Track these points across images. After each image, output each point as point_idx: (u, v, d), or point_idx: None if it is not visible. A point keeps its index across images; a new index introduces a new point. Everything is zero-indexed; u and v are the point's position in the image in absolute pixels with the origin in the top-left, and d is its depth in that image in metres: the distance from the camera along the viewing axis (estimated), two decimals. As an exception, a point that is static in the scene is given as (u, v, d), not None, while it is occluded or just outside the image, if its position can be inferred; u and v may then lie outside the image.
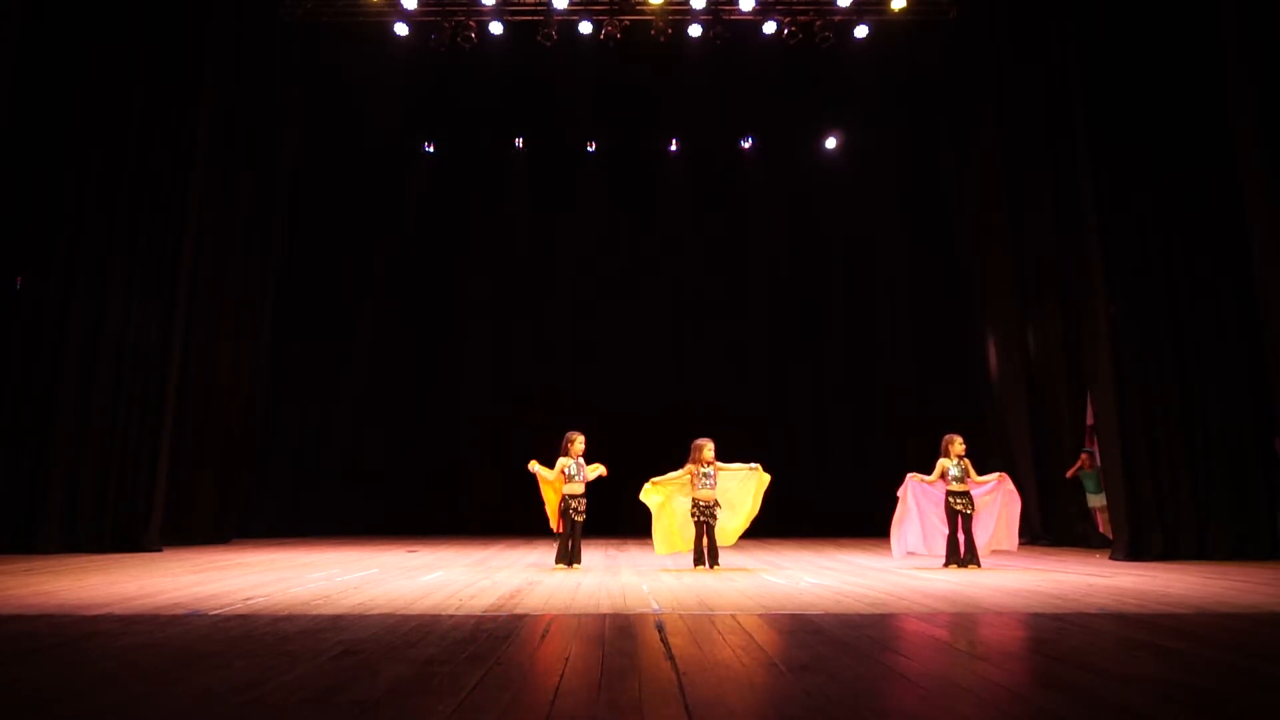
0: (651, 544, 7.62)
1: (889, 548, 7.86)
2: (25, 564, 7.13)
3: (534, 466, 7.27)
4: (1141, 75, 8.81)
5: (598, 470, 7.37)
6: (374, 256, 14.22)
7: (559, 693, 2.54)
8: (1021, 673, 2.90)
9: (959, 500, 7.38)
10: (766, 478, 7.46)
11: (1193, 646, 3.38)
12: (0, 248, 8.91)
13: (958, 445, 7.48)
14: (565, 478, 7.25)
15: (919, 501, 7.64)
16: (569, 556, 7.18)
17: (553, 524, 7.34)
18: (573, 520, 7.19)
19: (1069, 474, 10.50)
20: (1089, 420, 10.14)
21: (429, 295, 14.46)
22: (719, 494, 7.25)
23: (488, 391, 14.04)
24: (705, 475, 7.18)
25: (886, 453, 13.05)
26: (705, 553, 7.14)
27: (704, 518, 7.15)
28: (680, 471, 7.32)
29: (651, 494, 7.37)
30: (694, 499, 7.19)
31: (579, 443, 7.33)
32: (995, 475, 7.73)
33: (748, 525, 7.55)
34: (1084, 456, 10.42)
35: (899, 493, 7.72)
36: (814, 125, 14.33)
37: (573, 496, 7.22)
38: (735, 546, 9.01)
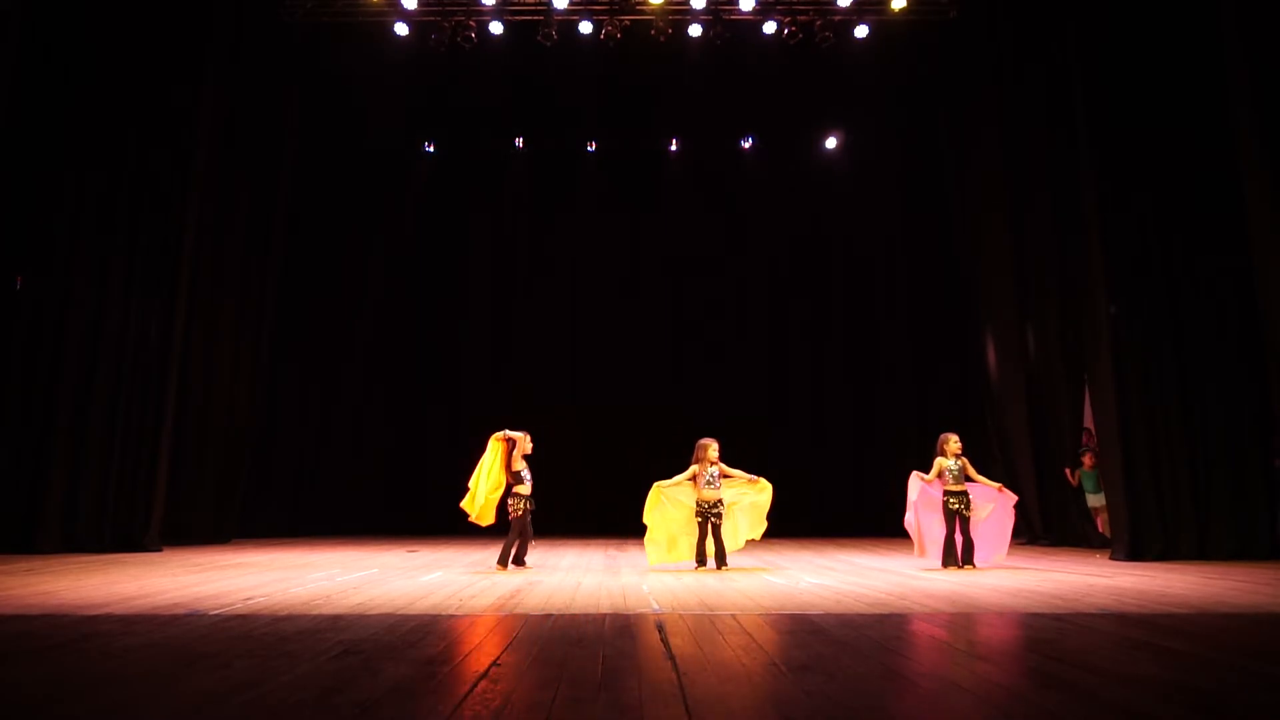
0: (649, 554, 7.58)
1: (889, 548, 7.84)
2: (25, 564, 7.13)
3: (509, 436, 7.10)
4: (1142, 75, 8.81)
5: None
6: (374, 256, 14.21)
7: (559, 692, 2.54)
8: (1021, 673, 2.90)
9: (956, 500, 7.37)
10: (770, 489, 7.46)
11: (1193, 646, 3.38)
12: (0, 247, 8.91)
13: (954, 444, 7.46)
14: (520, 478, 7.11)
15: (921, 504, 7.58)
16: (518, 557, 7.08)
17: (477, 512, 7.08)
18: (525, 521, 7.10)
19: (1073, 479, 10.48)
20: (1088, 421, 10.13)
21: (429, 295, 14.45)
22: (724, 495, 7.24)
23: (488, 391, 14.03)
24: (710, 475, 7.18)
25: (886, 453, 13.05)
26: (710, 553, 7.14)
27: (709, 517, 7.15)
28: (685, 474, 7.29)
29: (655, 503, 7.32)
30: (699, 499, 7.19)
31: (528, 441, 7.23)
32: (996, 485, 7.69)
33: (759, 535, 7.56)
34: (1086, 457, 10.41)
35: (908, 496, 7.63)
36: (814, 125, 14.31)
37: (529, 497, 7.11)
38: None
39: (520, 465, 7.13)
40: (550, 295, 14.47)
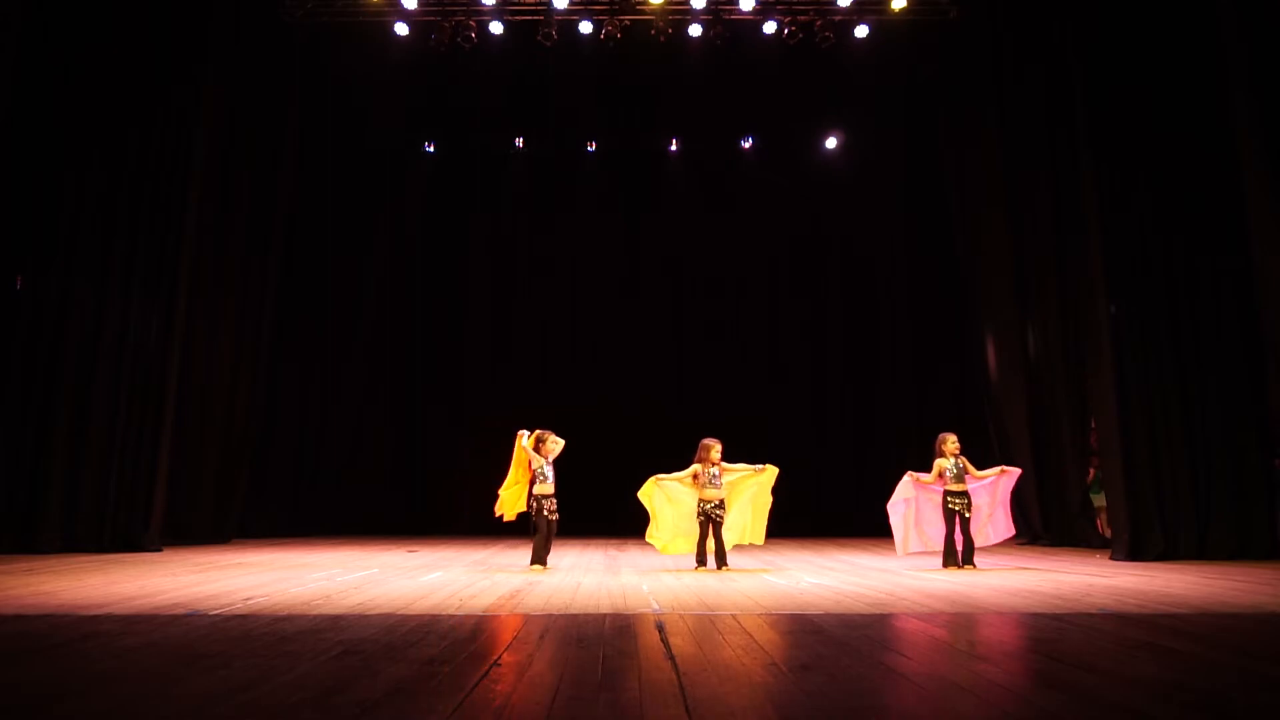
0: (652, 545, 7.60)
1: (889, 547, 7.84)
2: (25, 564, 7.13)
3: (523, 439, 7.13)
4: (1142, 75, 8.81)
5: (559, 445, 7.22)
6: (374, 256, 14.20)
7: (559, 693, 2.54)
8: (1021, 673, 2.91)
9: (956, 500, 7.36)
10: (774, 471, 7.48)
11: (1193, 646, 3.38)
12: (0, 247, 8.90)
13: (951, 443, 7.44)
14: (540, 478, 7.07)
15: (918, 501, 7.59)
16: (541, 557, 7.10)
17: (499, 508, 7.18)
18: (547, 521, 7.09)
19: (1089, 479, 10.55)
20: (1094, 424, 10.12)
21: (429, 295, 14.46)
22: (725, 494, 7.25)
23: (488, 391, 14.04)
24: (711, 475, 7.18)
25: (886, 453, 13.04)
26: (710, 552, 7.15)
27: (710, 517, 7.15)
28: (686, 471, 7.31)
29: (651, 494, 7.36)
30: (700, 498, 7.20)
31: (550, 442, 7.21)
32: (996, 469, 7.76)
33: (764, 523, 7.57)
34: (1095, 459, 10.43)
35: (897, 492, 7.66)
36: (814, 125, 14.31)
37: (545, 497, 7.09)
38: (736, 547, 8.99)
39: (539, 463, 7.10)
40: (550, 295, 14.47)
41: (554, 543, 7.28)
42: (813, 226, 14.37)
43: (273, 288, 11.81)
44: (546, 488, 7.10)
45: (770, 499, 7.55)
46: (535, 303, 14.43)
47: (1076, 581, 6.05)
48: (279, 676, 2.73)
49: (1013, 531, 7.76)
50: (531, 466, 7.09)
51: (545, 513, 7.07)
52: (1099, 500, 10.32)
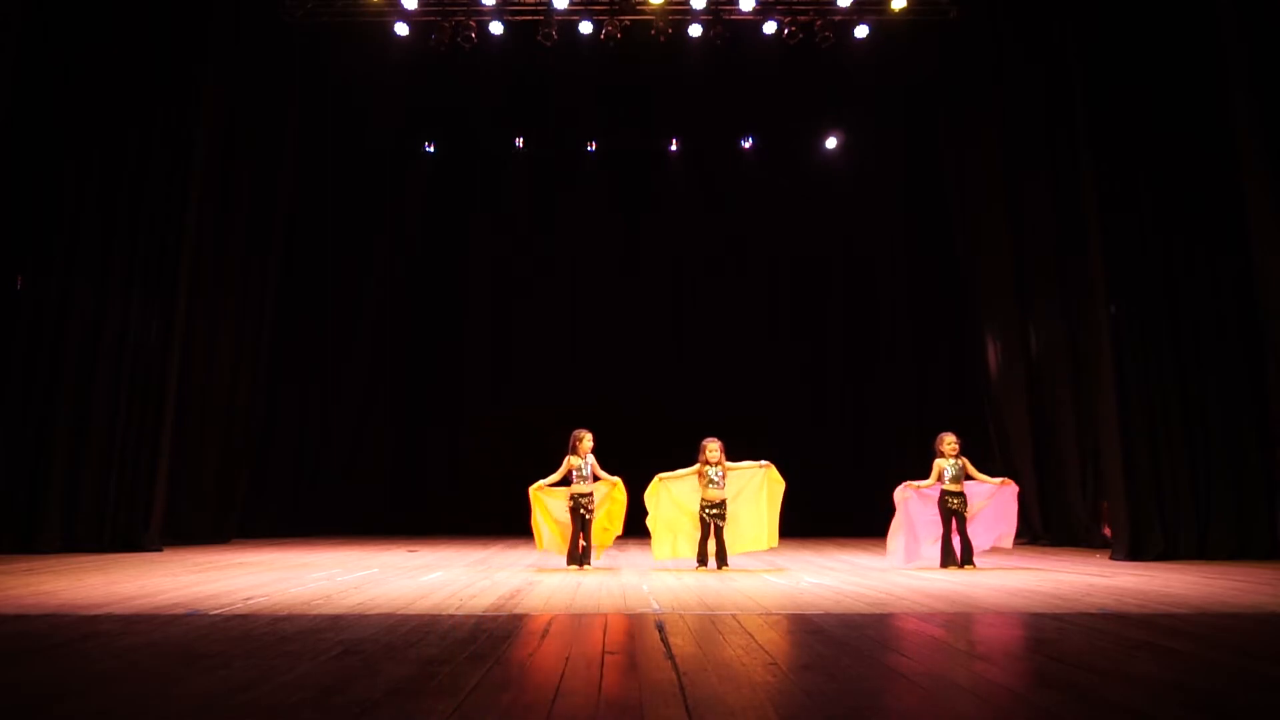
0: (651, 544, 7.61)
1: (889, 547, 7.80)
2: (25, 564, 7.13)
3: (535, 490, 7.23)
4: (1142, 75, 8.81)
5: (620, 501, 7.32)
6: (374, 256, 14.22)
7: (559, 693, 2.54)
8: (1021, 673, 2.90)
9: (954, 500, 7.34)
10: (778, 477, 7.49)
11: (1193, 646, 3.38)
12: (0, 247, 8.91)
13: (949, 443, 7.41)
14: (578, 477, 7.20)
15: (915, 513, 7.49)
16: (580, 558, 7.15)
17: (539, 544, 7.38)
18: (584, 519, 7.15)
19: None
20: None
21: (429, 295, 14.47)
22: (729, 494, 7.26)
23: (488, 391, 14.04)
24: (714, 475, 7.19)
25: (886, 452, 13.05)
26: (711, 553, 7.16)
27: (711, 518, 7.16)
28: (690, 469, 7.33)
29: (656, 495, 7.36)
30: (702, 498, 7.21)
31: (587, 440, 7.29)
32: (998, 480, 7.68)
33: (777, 525, 7.55)
34: None
35: (896, 503, 7.60)
36: (814, 125, 14.32)
37: (583, 495, 7.17)
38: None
39: (577, 464, 7.21)
40: (550, 295, 14.47)
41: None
42: (813, 226, 14.37)
43: (273, 288, 11.81)
44: (583, 487, 7.18)
45: (780, 491, 7.54)
46: (535, 303, 14.44)
47: (1076, 581, 6.05)
48: (279, 676, 2.73)
49: (1010, 533, 7.68)
50: (572, 474, 7.23)
51: (581, 510, 7.15)
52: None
